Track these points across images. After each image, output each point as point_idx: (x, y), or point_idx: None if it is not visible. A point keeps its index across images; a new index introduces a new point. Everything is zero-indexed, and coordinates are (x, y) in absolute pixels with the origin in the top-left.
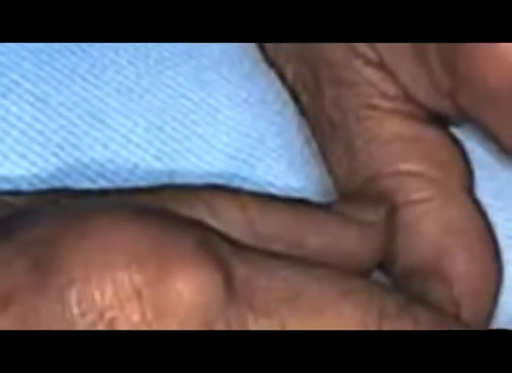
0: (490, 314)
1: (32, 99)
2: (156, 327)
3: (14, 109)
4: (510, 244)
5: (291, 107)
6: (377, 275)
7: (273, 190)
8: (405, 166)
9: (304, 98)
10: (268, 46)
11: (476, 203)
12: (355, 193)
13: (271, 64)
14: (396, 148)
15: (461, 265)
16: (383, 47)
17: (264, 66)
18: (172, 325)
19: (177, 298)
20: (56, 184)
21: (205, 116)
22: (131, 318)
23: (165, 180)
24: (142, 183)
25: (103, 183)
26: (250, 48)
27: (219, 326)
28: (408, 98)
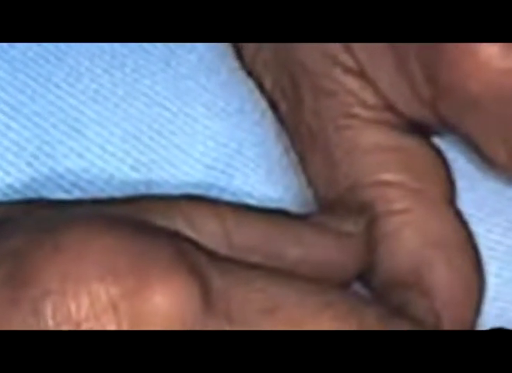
0: (472, 326)
1: (6, 109)
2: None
3: None
4: (491, 255)
5: (269, 116)
6: (357, 287)
7: (251, 201)
8: (386, 176)
9: (283, 107)
10: (246, 54)
11: (457, 214)
12: (334, 203)
13: (249, 72)
14: (376, 157)
15: (442, 276)
16: (363, 55)
17: (242, 74)
18: None
19: (154, 310)
20: (30, 195)
21: (183, 125)
22: None
23: (141, 191)
24: (118, 194)
25: (78, 194)
26: (228, 56)
27: None
28: (389, 107)
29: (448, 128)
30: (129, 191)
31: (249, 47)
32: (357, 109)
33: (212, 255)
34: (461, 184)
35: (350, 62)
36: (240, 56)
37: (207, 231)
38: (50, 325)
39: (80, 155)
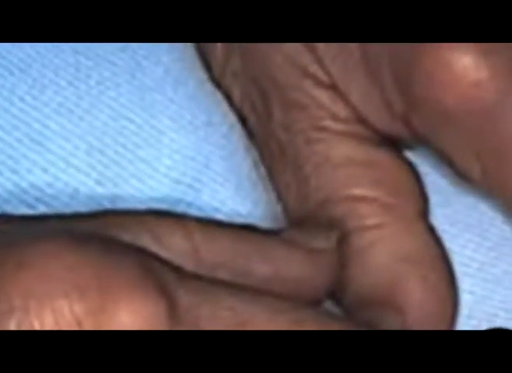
0: None
1: None
2: None
3: None
4: (465, 271)
5: (238, 129)
6: (328, 304)
7: (219, 216)
8: (357, 191)
9: (252, 120)
10: (215, 65)
11: (431, 230)
12: (305, 218)
13: (218, 84)
14: (347, 172)
15: (416, 294)
16: (334, 67)
17: (209, 86)
18: None
19: (119, 327)
20: None
21: (148, 138)
22: None
23: (107, 206)
24: (82, 209)
25: (42, 209)
26: (195, 68)
27: None
28: (360, 120)
29: (421, 142)
30: (94, 206)
31: (218, 59)
32: (328, 123)
33: (179, 271)
34: (434, 199)
35: (321, 74)
36: (208, 68)
37: (174, 247)
38: None
39: (44, 170)
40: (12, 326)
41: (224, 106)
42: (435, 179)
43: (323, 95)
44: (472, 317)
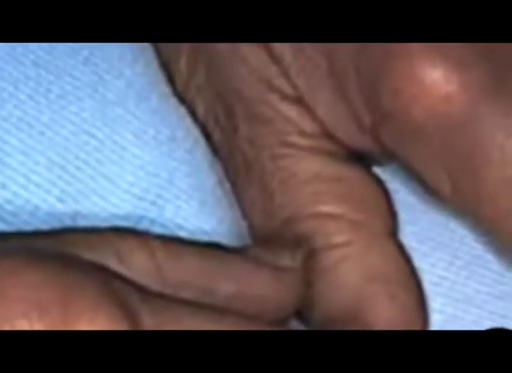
0: None
1: None
2: None
3: None
4: (435, 291)
5: (202, 145)
6: (295, 324)
7: (183, 234)
8: (324, 208)
9: (216, 135)
10: (178, 79)
11: (400, 248)
12: (270, 236)
13: (181, 98)
14: (314, 188)
15: (384, 313)
16: (300, 80)
17: (173, 101)
18: None
19: None
20: None
21: (111, 154)
22: None
23: (68, 223)
24: (43, 226)
25: (1, 226)
26: (158, 82)
27: None
28: (328, 135)
29: (390, 157)
30: (55, 223)
31: (181, 73)
32: (294, 138)
33: (141, 291)
34: (403, 216)
35: (287, 88)
36: (171, 82)
37: (136, 265)
38: None
39: (3, 186)
40: None
41: (188, 120)
42: (404, 196)
43: (289, 110)
44: None
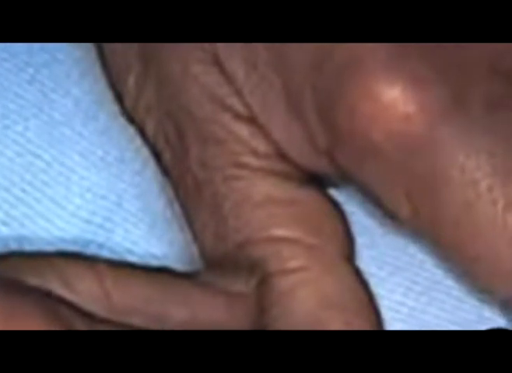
0: None
1: None
2: None
3: None
4: (394, 317)
5: (152, 166)
6: None
7: (132, 258)
8: (278, 232)
9: (167, 155)
10: (127, 98)
11: (357, 273)
12: (223, 260)
13: (130, 118)
14: (268, 211)
15: None
16: (253, 99)
17: (121, 120)
18: None
19: None
20: None
21: (57, 176)
22: None
23: (12, 247)
24: None
25: None
26: (107, 101)
27: None
28: (282, 156)
29: (347, 179)
30: None
31: (130, 91)
32: (247, 159)
33: (88, 317)
34: (360, 240)
35: (239, 107)
36: (120, 100)
37: (84, 291)
38: None
39: None
40: None
41: (137, 141)
42: (361, 219)
43: (242, 130)
44: None
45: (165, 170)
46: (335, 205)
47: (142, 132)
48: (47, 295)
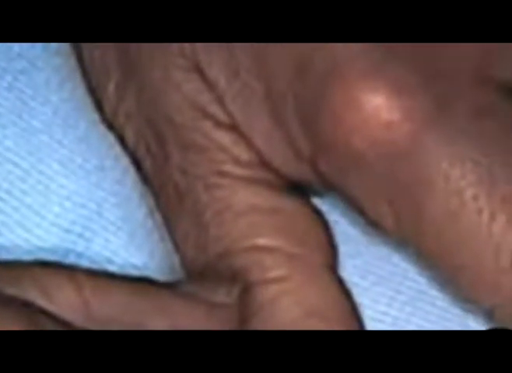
0: None
1: None
2: None
3: None
4: (378, 327)
5: (132, 174)
6: None
7: (112, 268)
8: (261, 241)
9: (147, 164)
10: (107, 106)
11: (340, 282)
12: (204, 270)
13: (110, 125)
14: (250, 220)
15: None
16: (235, 107)
17: (101, 128)
18: None
19: None
20: None
21: (36, 184)
22: None
23: None
24: None
25: None
26: (86, 109)
27: None
28: (264, 164)
29: (330, 188)
30: None
31: (110, 98)
32: (229, 167)
33: (67, 327)
34: (343, 249)
35: (221, 115)
36: (99, 108)
37: (62, 301)
38: None
39: None
40: None
41: (117, 148)
42: (344, 228)
43: (223, 137)
44: None
45: (145, 178)
46: (318, 214)
47: (122, 140)
48: (26, 305)
